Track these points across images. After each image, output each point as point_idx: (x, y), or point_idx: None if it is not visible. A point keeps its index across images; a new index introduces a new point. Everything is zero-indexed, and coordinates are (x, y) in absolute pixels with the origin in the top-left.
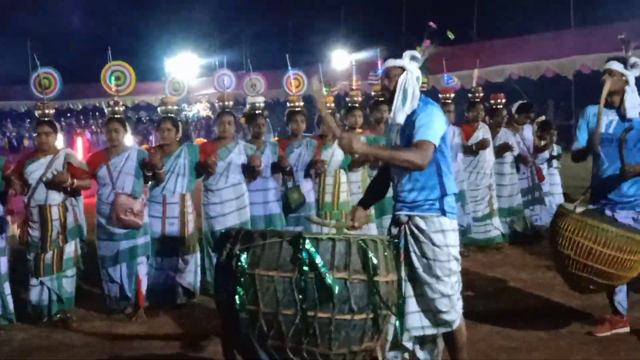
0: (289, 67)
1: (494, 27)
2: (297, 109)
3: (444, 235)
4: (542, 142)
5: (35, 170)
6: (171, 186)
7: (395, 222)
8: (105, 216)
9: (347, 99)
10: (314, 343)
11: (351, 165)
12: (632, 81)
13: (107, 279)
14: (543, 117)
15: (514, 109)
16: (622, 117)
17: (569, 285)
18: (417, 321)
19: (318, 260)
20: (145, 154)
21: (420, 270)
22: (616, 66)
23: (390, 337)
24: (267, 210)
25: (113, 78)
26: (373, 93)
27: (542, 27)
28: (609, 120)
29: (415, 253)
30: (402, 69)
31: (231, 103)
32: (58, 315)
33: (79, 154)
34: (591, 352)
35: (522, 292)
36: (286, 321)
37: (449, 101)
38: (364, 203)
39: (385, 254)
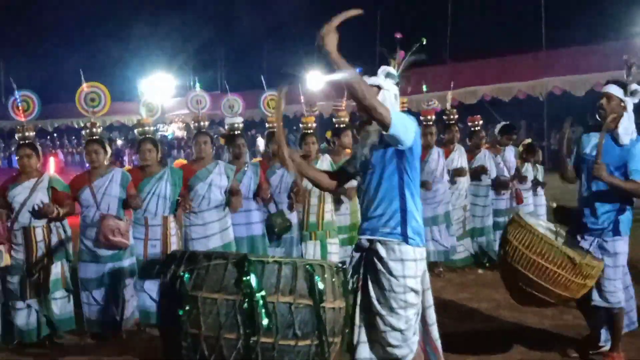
0: (265, 88)
1: (467, 49)
2: (274, 130)
3: (403, 265)
4: (525, 165)
5: (19, 194)
6: (152, 208)
7: (357, 247)
8: (90, 238)
9: (334, 119)
10: None
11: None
12: (630, 107)
13: (88, 301)
14: (529, 140)
15: (496, 130)
16: (615, 141)
17: (512, 296)
18: (366, 352)
19: (254, 283)
20: (128, 177)
21: (374, 299)
22: (614, 91)
23: None
24: (249, 231)
25: (88, 99)
26: (334, 120)
27: (514, 48)
28: (595, 143)
29: (371, 281)
30: (379, 88)
31: (206, 123)
32: (53, 338)
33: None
34: None
35: (495, 312)
36: (228, 346)
37: (431, 123)
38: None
39: (333, 279)
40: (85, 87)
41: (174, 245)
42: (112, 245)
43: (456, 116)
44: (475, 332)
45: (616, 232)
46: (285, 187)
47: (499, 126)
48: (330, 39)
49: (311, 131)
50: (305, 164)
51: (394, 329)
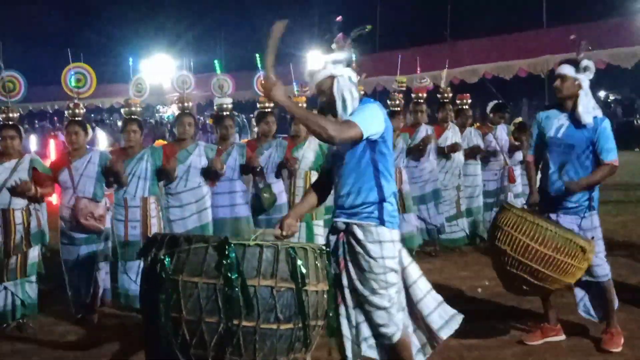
0: (259, 68)
1: (467, 27)
2: (267, 110)
3: (381, 247)
4: (517, 143)
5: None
6: (132, 189)
7: (333, 229)
8: (66, 220)
9: (258, 105)
10: (237, 353)
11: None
12: (585, 85)
13: (70, 284)
14: (520, 119)
15: (488, 109)
16: (576, 122)
17: (503, 284)
18: (366, 331)
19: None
20: (108, 157)
21: (355, 281)
22: (568, 70)
23: (349, 353)
24: (233, 213)
25: (74, 80)
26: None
27: (515, 26)
28: (559, 124)
29: (351, 263)
30: (332, 78)
31: (191, 104)
32: (21, 321)
33: (52, 155)
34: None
35: (495, 290)
36: (209, 329)
37: (422, 101)
38: (296, 211)
39: (317, 262)
40: (71, 67)
41: (154, 227)
42: (85, 229)
43: (450, 94)
44: (478, 312)
45: (591, 207)
46: (272, 167)
47: (490, 104)
48: (276, 91)
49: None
50: (296, 211)
51: (378, 308)
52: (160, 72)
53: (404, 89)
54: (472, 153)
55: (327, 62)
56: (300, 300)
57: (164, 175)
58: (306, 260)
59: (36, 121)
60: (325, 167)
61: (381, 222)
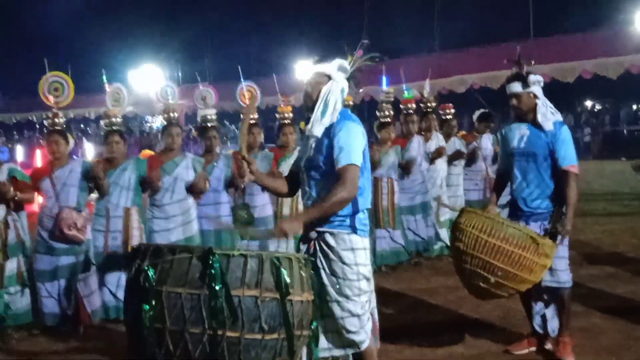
0: (242, 79)
1: (456, 38)
2: (252, 121)
3: (354, 254)
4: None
5: None
6: (115, 199)
7: (304, 238)
8: (47, 229)
9: (277, 115)
10: None
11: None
12: (540, 93)
13: (43, 294)
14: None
15: (474, 118)
16: (537, 130)
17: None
18: (324, 343)
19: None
20: (89, 166)
21: (329, 288)
22: (518, 88)
23: None
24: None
25: (52, 89)
26: (277, 115)
27: (501, 37)
28: (520, 135)
29: (324, 270)
30: (328, 78)
31: (177, 114)
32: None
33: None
34: None
35: (481, 300)
36: (193, 340)
37: (412, 112)
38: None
39: (302, 272)
40: (48, 76)
41: (136, 238)
42: (67, 240)
43: (434, 104)
44: (463, 321)
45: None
46: None
47: (477, 113)
48: (292, 227)
49: (288, 121)
50: (263, 175)
51: (352, 314)
52: (148, 82)
53: (391, 99)
54: (452, 158)
55: (334, 62)
56: (284, 310)
57: (147, 185)
58: (291, 270)
59: (25, 131)
60: (293, 171)
61: (353, 230)
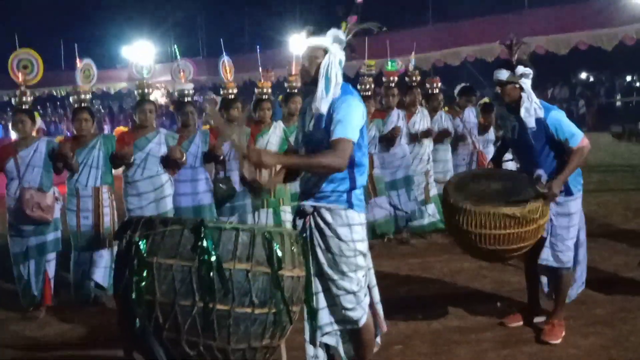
0: (224, 53)
1: (449, 10)
2: (231, 97)
3: (351, 230)
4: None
5: None
6: (84, 179)
7: (300, 213)
8: (13, 212)
9: (286, 84)
10: (211, 336)
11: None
12: (526, 86)
13: (18, 276)
14: (486, 99)
15: (456, 92)
16: (521, 122)
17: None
18: (326, 317)
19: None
20: (55, 145)
21: (325, 265)
22: (504, 76)
23: (307, 336)
24: (195, 201)
25: (21, 66)
26: (256, 90)
27: (497, 9)
28: (512, 126)
29: (320, 247)
30: (325, 51)
31: (151, 90)
32: None
33: None
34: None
35: (474, 273)
36: (183, 312)
37: (393, 85)
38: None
39: (293, 248)
40: (17, 53)
41: (107, 216)
42: (33, 221)
43: (418, 78)
44: (458, 294)
45: (568, 192)
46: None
47: (458, 87)
48: (266, 158)
49: (266, 97)
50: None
51: (347, 292)
52: (142, 58)
53: (373, 72)
54: (440, 137)
55: (329, 34)
56: (275, 285)
57: (118, 161)
58: (283, 245)
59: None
60: (294, 148)
61: (350, 205)
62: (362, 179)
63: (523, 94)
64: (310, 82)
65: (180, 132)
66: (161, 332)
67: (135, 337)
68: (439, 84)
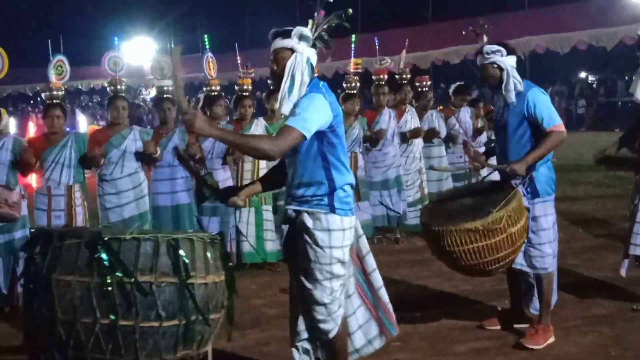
0: (207, 49)
1: (449, 8)
2: (214, 94)
3: (329, 235)
4: (480, 124)
5: None
6: (56, 177)
7: (286, 218)
8: None
9: (269, 81)
10: (117, 353)
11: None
12: (503, 64)
13: None
14: (473, 96)
15: (451, 91)
16: (502, 100)
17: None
18: (302, 325)
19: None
20: (22, 143)
21: (300, 272)
22: (481, 59)
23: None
24: (174, 200)
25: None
26: (236, 87)
27: (496, 8)
28: (498, 106)
29: (298, 253)
30: (292, 51)
31: (123, 87)
32: None
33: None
34: None
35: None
36: (85, 330)
37: (382, 83)
38: (246, 191)
39: (207, 252)
40: None
41: (80, 215)
42: (1, 217)
43: (409, 76)
44: (457, 292)
45: (534, 194)
46: (218, 152)
47: (453, 86)
48: (199, 124)
49: (246, 94)
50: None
51: (318, 303)
52: (140, 54)
53: (359, 70)
54: (428, 136)
55: (294, 33)
56: (184, 295)
57: (88, 162)
58: (192, 251)
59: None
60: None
61: (332, 209)
62: (343, 179)
63: (503, 73)
64: (279, 85)
65: (159, 129)
66: (65, 351)
67: (41, 355)
68: (429, 82)
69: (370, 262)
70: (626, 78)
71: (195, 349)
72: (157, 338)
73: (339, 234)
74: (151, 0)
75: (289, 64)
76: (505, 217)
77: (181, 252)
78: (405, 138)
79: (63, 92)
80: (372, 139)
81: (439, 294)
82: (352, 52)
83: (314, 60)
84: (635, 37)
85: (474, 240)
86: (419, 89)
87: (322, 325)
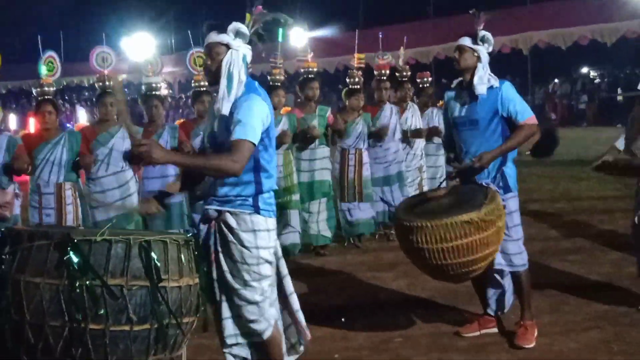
0: (192, 45)
1: (450, 3)
2: (203, 89)
3: (255, 236)
4: None
5: None
6: (45, 175)
7: (205, 218)
8: None
9: (269, 77)
10: (87, 357)
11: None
12: (484, 57)
13: None
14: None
15: (452, 86)
16: (472, 95)
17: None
18: (231, 328)
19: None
20: (16, 141)
21: (227, 273)
22: (466, 42)
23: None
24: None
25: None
26: (193, 84)
27: (498, 3)
28: (462, 102)
29: (223, 254)
30: (227, 47)
31: (111, 83)
32: None
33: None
34: None
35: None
36: (54, 334)
37: (385, 78)
38: (162, 192)
39: (180, 255)
40: None
41: (70, 214)
42: None
43: (409, 73)
44: (458, 288)
45: (507, 188)
46: None
47: (455, 82)
48: (157, 153)
49: (204, 89)
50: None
51: (249, 302)
52: (141, 50)
53: (362, 66)
54: (430, 135)
55: (230, 29)
56: (156, 299)
57: (80, 166)
58: (165, 254)
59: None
60: (202, 149)
61: (256, 210)
62: (269, 183)
63: (479, 64)
64: (214, 82)
65: (148, 127)
66: (34, 355)
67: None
68: (429, 79)
69: (282, 268)
70: (627, 72)
71: (168, 354)
72: (128, 342)
73: (264, 234)
74: None
75: (225, 61)
76: (496, 209)
77: (153, 254)
78: (406, 137)
79: (54, 88)
80: (376, 135)
81: (441, 289)
82: (355, 47)
83: (249, 57)
84: (636, 32)
85: (468, 234)
86: (420, 85)
87: (255, 326)
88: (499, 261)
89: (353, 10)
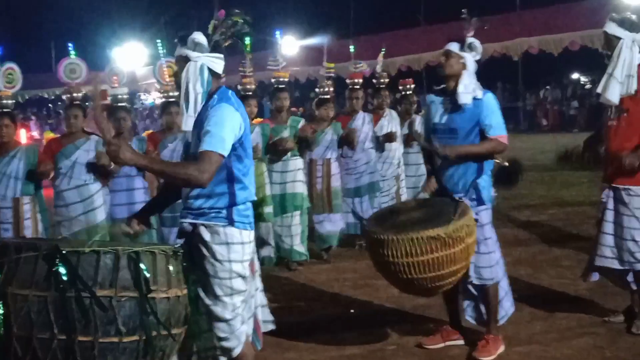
0: (161, 55)
1: (441, 11)
2: (171, 100)
3: (229, 249)
4: None
5: None
6: (2, 190)
7: (181, 232)
8: None
9: (239, 87)
10: None
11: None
12: (470, 65)
13: None
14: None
15: None
16: (455, 103)
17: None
18: (203, 342)
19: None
20: None
21: (200, 288)
22: (453, 47)
23: None
24: (132, 211)
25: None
26: (272, 80)
27: (489, 10)
28: (443, 109)
29: (197, 267)
30: (186, 60)
31: (80, 95)
32: None
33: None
34: None
35: None
36: (42, 346)
37: (357, 87)
38: (144, 211)
39: (169, 266)
40: None
41: (28, 229)
42: None
43: (386, 80)
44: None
45: (480, 201)
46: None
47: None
48: (124, 154)
49: (172, 99)
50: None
51: (219, 319)
52: (133, 59)
53: (332, 75)
54: (408, 141)
55: (189, 40)
56: (144, 310)
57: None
58: (153, 265)
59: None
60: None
61: (230, 222)
62: (244, 194)
63: (464, 71)
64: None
65: (114, 139)
66: None
67: None
68: (412, 86)
69: (257, 281)
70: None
71: None
72: (116, 354)
73: (238, 248)
74: (142, 5)
75: (183, 75)
76: (465, 227)
77: (142, 265)
78: (378, 142)
79: (13, 100)
80: (346, 141)
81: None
82: (352, 55)
83: (216, 66)
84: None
85: (434, 250)
86: (402, 92)
87: (224, 344)
88: (471, 274)
89: (342, 19)
